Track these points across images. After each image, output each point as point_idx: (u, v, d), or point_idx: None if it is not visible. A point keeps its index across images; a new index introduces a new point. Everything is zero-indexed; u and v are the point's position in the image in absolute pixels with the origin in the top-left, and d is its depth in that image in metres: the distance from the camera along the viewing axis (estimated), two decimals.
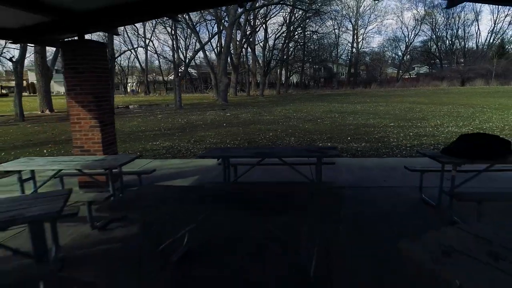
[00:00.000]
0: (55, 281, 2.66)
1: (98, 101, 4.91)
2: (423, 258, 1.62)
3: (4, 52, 22.54)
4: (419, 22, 52.68)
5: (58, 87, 50.81)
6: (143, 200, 2.76)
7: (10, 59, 17.01)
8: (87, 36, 5.08)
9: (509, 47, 53.53)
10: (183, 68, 30.29)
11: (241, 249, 3.07)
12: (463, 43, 53.41)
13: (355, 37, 52.83)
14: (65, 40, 4.93)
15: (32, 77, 57.65)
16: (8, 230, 3.17)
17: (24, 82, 56.98)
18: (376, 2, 57.89)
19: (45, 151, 8.99)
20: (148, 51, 46.11)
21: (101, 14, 4.68)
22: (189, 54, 42.26)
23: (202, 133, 11.40)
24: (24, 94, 47.08)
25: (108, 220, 3.96)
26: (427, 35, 68.28)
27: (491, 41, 50.49)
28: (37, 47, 20.29)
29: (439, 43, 54.25)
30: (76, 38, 4.94)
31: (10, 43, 6.80)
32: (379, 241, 3.16)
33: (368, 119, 13.95)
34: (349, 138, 9.51)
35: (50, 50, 22.20)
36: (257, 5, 29.57)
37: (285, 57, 41.47)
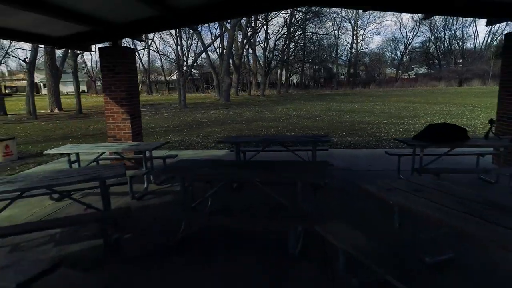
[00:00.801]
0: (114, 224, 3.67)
1: (130, 97, 5.90)
2: (373, 191, 2.61)
3: (11, 54, 23.51)
4: (418, 23, 53.73)
5: (62, 87, 51.71)
6: (183, 167, 3.72)
7: (24, 60, 17.99)
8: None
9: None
10: (185, 69, 31.25)
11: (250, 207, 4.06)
12: (461, 44, 54.43)
13: (354, 38, 53.90)
14: (103, 46, 5.91)
15: (35, 77, 58.70)
16: (71, 196, 4.12)
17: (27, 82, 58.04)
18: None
19: (68, 143, 9.98)
20: (150, 52, 47.18)
21: (132, 25, 5.67)
22: (191, 54, 43.29)
23: (209, 129, 12.38)
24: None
25: (143, 193, 4.95)
26: (425, 36, 69.41)
27: (488, 41, 51.46)
28: (47, 48, 21.27)
29: (437, 44, 55.27)
30: (110, 44, 5.92)
31: (56, 48, 7.75)
32: (349, 193, 4.16)
33: (364, 117, 14.93)
34: (344, 133, 10.49)
35: (58, 52, 23.11)
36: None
37: (285, 57, 42.47)
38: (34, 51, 19.32)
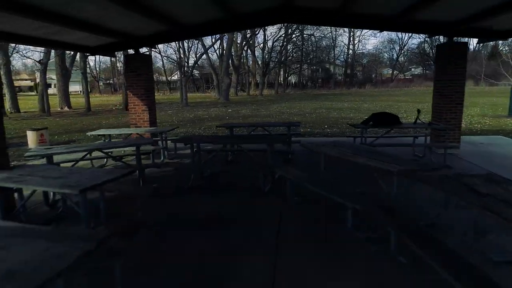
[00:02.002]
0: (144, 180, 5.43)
1: (148, 93, 7.67)
2: (312, 147, 4.38)
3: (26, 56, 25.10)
4: None
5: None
6: (194, 136, 5.49)
7: (39, 61, 19.77)
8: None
9: (502, 49, 56.35)
10: (185, 69, 33.03)
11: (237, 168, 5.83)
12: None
13: (351, 39, 55.71)
14: (129, 53, 7.68)
15: (39, 77, 60.61)
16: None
17: (32, 82, 59.94)
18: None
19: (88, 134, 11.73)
20: (151, 53, 48.99)
21: (150, 38, 7.44)
22: (192, 55, 45.06)
23: (209, 123, 14.15)
24: (32, 93, 49.80)
25: (161, 163, 6.71)
26: (421, 37, 71.06)
27: (481, 44, 53.11)
28: (58, 51, 23.04)
29: (433, 45, 56.96)
30: (133, 52, 7.69)
31: (90, 55, 9.51)
32: (304, 162, 5.92)
33: (349, 113, 16.69)
34: (326, 126, 12.26)
35: (67, 53, 24.91)
36: None
37: (283, 58, 44.27)
38: (48, 53, 21.11)
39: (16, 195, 3.86)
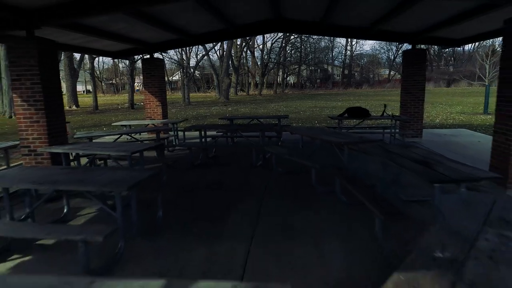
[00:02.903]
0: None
1: (161, 91, 9.16)
2: (295, 131, 5.88)
3: None
4: None
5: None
6: (202, 125, 6.98)
7: None
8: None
9: (499, 50, 57.94)
10: (187, 69, 34.51)
11: (236, 151, 7.33)
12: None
13: (348, 41, 57.19)
14: (145, 57, 9.18)
15: None
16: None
17: None
18: None
19: (104, 128, 13.23)
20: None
21: (163, 44, 8.93)
22: (192, 56, 46.54)
23: (211, 120, 15.64)
24: None
25: (173, 148, 8.19)
26: None
27: (476, 45, 54.65)
28: (67, 53, 24.56)
29: (429, 46, 58.49)
30: (148, 56, 9.18)
31: (112, 58, 11.00)
32: (289, 145, 7.41)
33: (341, 111, 18.14)
34: (316, 121, 13.75)
35: (76, 55, 26.46)
36: None
37: (281, 59, 45.79)
38: (59, 55, 22.62)
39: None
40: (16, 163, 6.56)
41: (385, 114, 8.19)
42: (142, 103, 32.02)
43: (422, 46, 10.13)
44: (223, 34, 8.68)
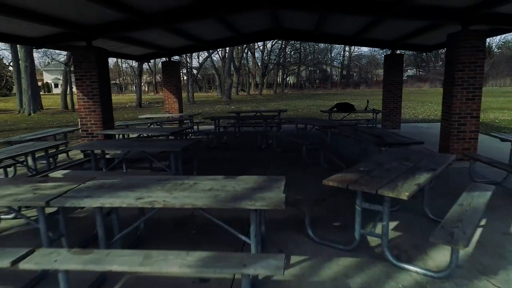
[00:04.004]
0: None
1: (177, 89, 10.81)
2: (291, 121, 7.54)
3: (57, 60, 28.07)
4: None
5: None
6: (215, 116, 8.63)
7: (66, 64, 22.90)
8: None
9: (496, 51, 59.69)
10: (191, 70, 36.20)
11: (246, 138, 8.99)
12: None
13: None
14: (163, 60, 10.84)
15: (46, 77, 63.70)
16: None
17: (39, 82, 62.97)
18: None
19: (138, 117, 14.85)
20: None
21: (180, 49, 10.58)
22: (194, 56, 48.19)
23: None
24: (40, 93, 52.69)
25: (191, 136, 9.84)
26: None
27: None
28: None
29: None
30: (166, 59, 10.84)
31: (136, 61, 12.69)
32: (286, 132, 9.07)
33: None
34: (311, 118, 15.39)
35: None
36: None
37: (281, 60, 47.50)
38: (70, 56, 24.24)
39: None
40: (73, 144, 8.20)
41: (367, 108, 9.85)
42: (147, 102, 33.78)
43: (403, 51, 11.79)
44: (231, 40, 10.33)
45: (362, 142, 5.74)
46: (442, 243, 2.53)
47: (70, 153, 7.37)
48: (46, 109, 27.20)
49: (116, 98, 43.67)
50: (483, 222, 3.72)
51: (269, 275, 2.75)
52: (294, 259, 3.07)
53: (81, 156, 6.24)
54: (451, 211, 3.00)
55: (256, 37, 10.42)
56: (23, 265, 2.24)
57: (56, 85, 61.91)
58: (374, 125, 9.75)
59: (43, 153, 5.43)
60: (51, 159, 5.67)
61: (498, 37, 61.96)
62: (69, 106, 25.13)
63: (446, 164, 3.52)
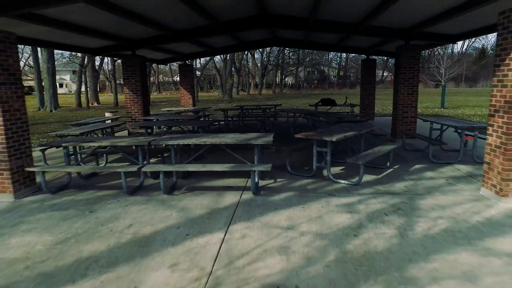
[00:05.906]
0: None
1: (191, 88, 13.30)
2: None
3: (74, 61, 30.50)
4: None
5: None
6: (224, 108, 11.10)
7: (81, 65, 25.37)
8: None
9: (490, 52, 62.36)
10: (194, 71, 38.74)
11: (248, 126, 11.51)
12: (442, 49, 62.03)
13: None
14: (180, 63, 13.34)
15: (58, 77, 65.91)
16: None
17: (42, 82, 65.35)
18: None
19: (161, 110, 17.34)
20: None
21: (193, 54, 13.07)
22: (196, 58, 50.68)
23: (222, 112, 19.76)
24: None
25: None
26: None
27: (464, 49, 59.12)
28: (91, 57, 28.66)
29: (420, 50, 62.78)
30: (182, 62, 13.32)
31: (158, 64, 15.10)
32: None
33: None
34: None
35: (97, 57, 30.72)
36: None
37: (280, 61, 50.09)
38: (86, 58, 26.75)
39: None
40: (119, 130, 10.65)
41: (346, 103, 12.35)
42: (152, 102, 36.32)
43: (375, 56, 14.26)
44: (235, 47, 12.82)
45: (329, 121, 8.23)
46: (352, 161, 5.03)
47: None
48: (61, 107, 29.68)
49: (120, 96, 46.18)
50: (396, 166, 6.21)
51: (265, 183, 5.25)
52: (278, 180, 5.56)
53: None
54: (366, 152, 5.49)
55: (256, 44, 12.90)
56: (144, 169, 4.74)
57: (61, 85, 64.37)
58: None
59: (109, 130, 7.92)
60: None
61: (493, 39, 64.58)
62: (83, 104, 27.63)
63: (368, 130, 6.02)
